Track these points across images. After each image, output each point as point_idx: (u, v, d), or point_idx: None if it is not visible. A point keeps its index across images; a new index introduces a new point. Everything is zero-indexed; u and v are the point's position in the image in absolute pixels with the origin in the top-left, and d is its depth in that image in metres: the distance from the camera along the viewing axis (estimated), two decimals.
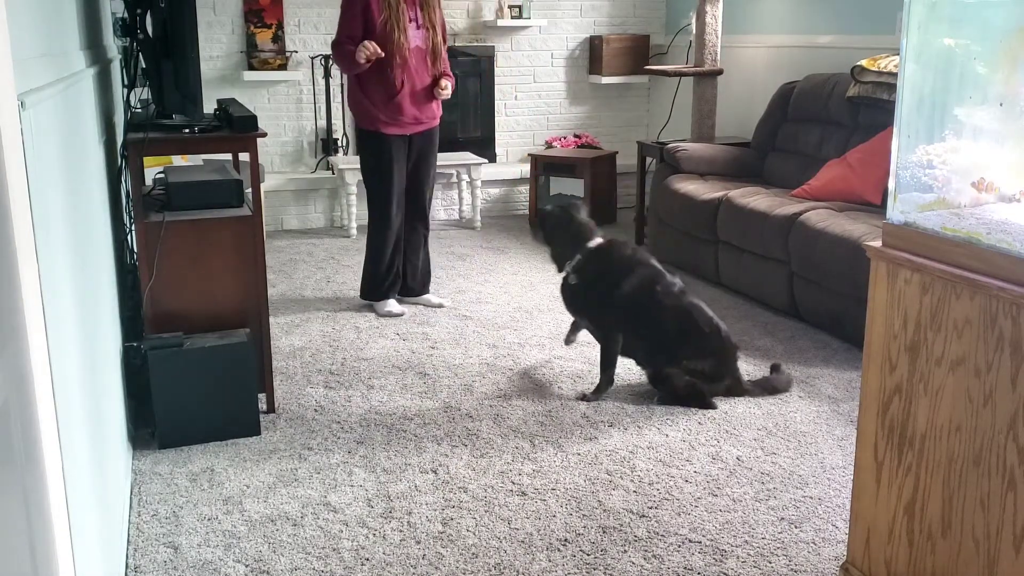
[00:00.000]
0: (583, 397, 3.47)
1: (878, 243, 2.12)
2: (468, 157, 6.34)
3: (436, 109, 4.36)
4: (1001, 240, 1.86)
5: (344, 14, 4.21)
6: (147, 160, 3.48)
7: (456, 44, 6.44)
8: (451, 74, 4.35)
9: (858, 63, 4.66)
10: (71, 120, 2.18)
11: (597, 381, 3.52)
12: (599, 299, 3.50)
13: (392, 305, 4.45)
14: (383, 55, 4.09)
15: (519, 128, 6.94)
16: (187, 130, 3.18)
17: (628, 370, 3.73)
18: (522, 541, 2.52)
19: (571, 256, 3.53)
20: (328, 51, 6.28)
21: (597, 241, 3.54)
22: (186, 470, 2.91)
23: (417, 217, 4.49)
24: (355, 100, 4.30)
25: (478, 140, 6.75)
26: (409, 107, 4.23)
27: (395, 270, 4.46)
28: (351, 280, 5.09)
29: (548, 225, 3.64)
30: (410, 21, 4.16)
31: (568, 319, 3.80)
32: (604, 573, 2.37)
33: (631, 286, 3.44)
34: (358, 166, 6.02)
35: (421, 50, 4.21)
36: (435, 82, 4.28)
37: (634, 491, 2.79)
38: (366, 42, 4.06)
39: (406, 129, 4.27)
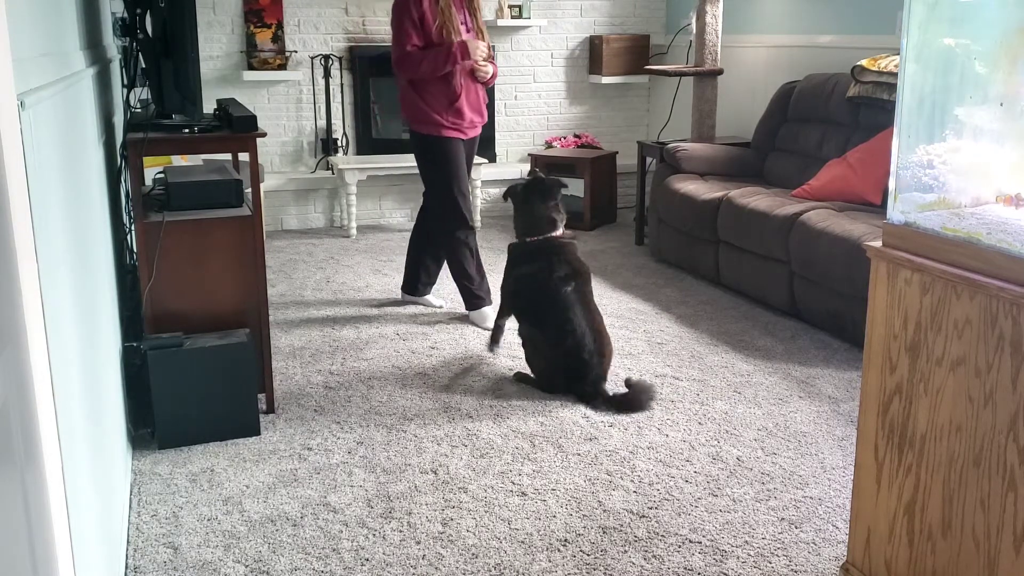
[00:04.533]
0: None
1: (878, 243, 2.12)
2: None
3: (486, 111, 4.41)
4: (1001, 240, 1.86)
5: (399, 27, 4.14)
6: (147, 160, 3.48)
7: None
8: (494, 62, 4.37)
9: (858, 63, 4.66)
10: (71, 120, 2.18)
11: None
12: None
13: (491, 317, 4.20)
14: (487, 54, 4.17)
15: (519, 128, 6.94)
16: (187, 130, 3.18)
17: (628, 369, 3.74)
18: (522, 541, 2.52)
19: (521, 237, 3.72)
20: (328, 51, 6.31)
21: (541, 237, 3.65)
22: (186, 470, 2.91)
23: None
24: (413, 107, 4.22)
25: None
26: (468, 111, 4.25)
27: (483, 274, 4.39)
28: (351, 280, 5.09)
29: (516, 201, 3.79)
30: (461, 24, 4.19)
31: None
32: (604, 573, 2.37)
33: (526, 270, 3.63)
34: (358, 166, 6.08)
35: None
36: (485, 83, 4.33)
37: (634, 491, 2.79)
38: (474, 41, 4.16)
39: (465, 133, 4.28)
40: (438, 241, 4.40)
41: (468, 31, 4.23)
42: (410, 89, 4.22)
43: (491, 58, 4.32)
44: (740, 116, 6.05)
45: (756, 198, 4.62)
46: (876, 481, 2.18)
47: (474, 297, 4.36)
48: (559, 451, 3.05)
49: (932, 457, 2.01)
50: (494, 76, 4.35)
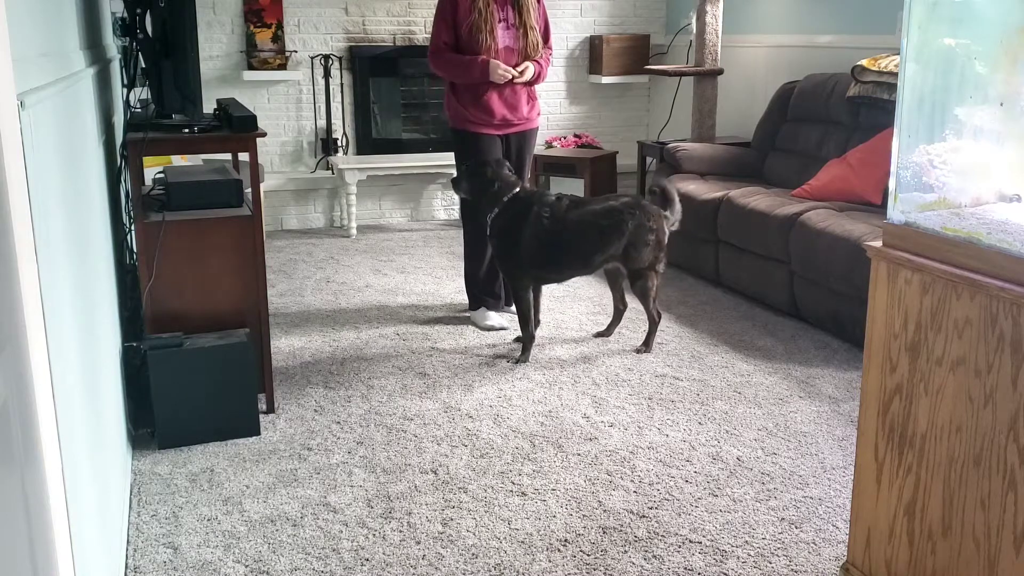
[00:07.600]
0: (516, 361, 3.86)
1: (878, 243, 2.12)
2: None
3: (529, 111, 4.26)
4: (1001, 240, 1.86)
5: (436, 20, 4.13)
6: (147, 160, 3.48)
7: None
8: (539, 62, 4.20)
9: (858, 63, 4.66)
10: (71, 120, 2.18)
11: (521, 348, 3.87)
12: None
13: (491, 317, 4.30)
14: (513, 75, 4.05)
15: None
16: (187, 130, 3.18)
17: (628, 369, 3.74)
18: (522, 541, 2.52)
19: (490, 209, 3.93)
20: (328, 51, 6.31)
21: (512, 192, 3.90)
22: (186, 470, 2.91)
23: None
24: (447, 101, 4.23)
25: None
26: (499, 108, 4.15)
27: (493, 278, 4.33)
28: (351, 280, 5.09)
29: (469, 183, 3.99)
30: (500, 21, 4.09)
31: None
32: (604, 573, 2.37)
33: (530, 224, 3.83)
34: (358, 166, 6.08)
35: (511, 51, 4.12)
36: (527, 83, 4.19)
37: (634, 491, 2.79)
38: (496, 63, 4.02)
39: (499, 129, 4.20)
40: (463, 231, 4.36)
41: (508, 28, 4.11)
42: (447, 84, 4.23)
43: (536, 58, 4.17)
44: (740, 116, 6.05)
45: (756, 198, 4.62)
46: (876, 481, 2.18)
47: (471, 294, 4.36)
48: (559, 451, 3.05)
49: (932, 457, 2.01)
50: (539, 75, 4.20)
